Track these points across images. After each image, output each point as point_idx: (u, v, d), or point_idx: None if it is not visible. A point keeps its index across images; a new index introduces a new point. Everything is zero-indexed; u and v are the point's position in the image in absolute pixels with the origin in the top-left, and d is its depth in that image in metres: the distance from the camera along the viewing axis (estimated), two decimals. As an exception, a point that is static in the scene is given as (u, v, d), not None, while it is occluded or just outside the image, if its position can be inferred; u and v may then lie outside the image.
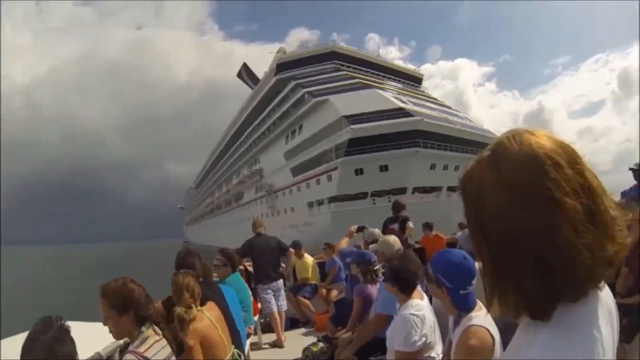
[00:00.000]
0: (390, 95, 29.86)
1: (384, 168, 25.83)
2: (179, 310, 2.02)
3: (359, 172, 25.92)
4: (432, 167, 26.45)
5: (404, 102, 29.35)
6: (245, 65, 63.36)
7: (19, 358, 1.36)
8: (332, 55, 35.48)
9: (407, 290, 2.13)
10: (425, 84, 43.55)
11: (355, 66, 35.50)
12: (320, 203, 27.91)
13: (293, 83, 33.28)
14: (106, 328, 1.78)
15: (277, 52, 39.62)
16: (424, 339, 2.02)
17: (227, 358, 2.16)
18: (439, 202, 25.34)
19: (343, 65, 34.93)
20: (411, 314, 2.04)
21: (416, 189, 25.94)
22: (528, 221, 0.46)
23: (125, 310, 1.61)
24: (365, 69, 35.74)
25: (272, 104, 37.26)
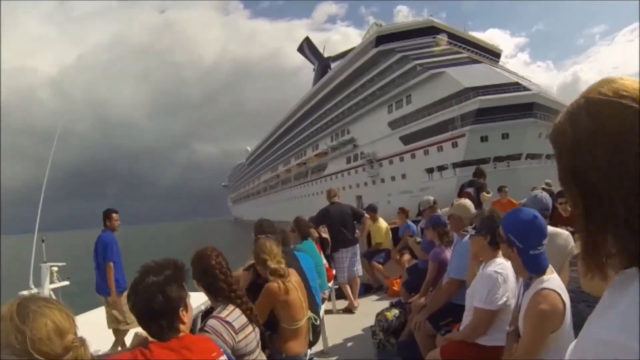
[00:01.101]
0: (500, 70, 33.22)
1: (505, 136, 29.35)
2: (273, 265, 2.27)
3: (484, 139, 29.51)
4: (540, 135, 29.88)
5: (515, 77, 32.68)
6: (307, 40, 66.66)
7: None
8: (432, 30, 38.40)
9: (496, 244, 2.07)
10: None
11: (451, 40, 38.43)
12: (441, 168, 31.64)
13: (398, 55, 36.23)
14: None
15: (373, 25, 42.47)
16: (504, 298, 2.07)
17: (303, 320, 2.33)
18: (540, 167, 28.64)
19: (440, 42, 37.93)
20: (495, 271, 2.11)
21: (529, 155, 29.53)
22: (625, 168, 0.46)
23: (197, 280, 1.84)
24: (459, 44, 38.68)
25: (370, 75, 40.09)
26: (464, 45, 38.55)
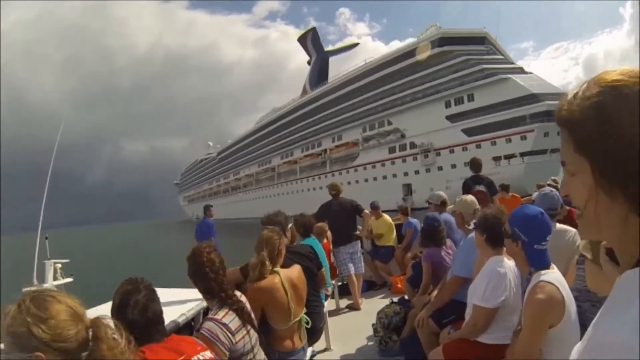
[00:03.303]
0: (546, 80, 46.37)
1: (558, 133, 42.15)
2: (251, 263, 2.51)
3: (546, 134, 41.67)
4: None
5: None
6: (314, 30, 74.41)
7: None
8: (483, 40, 50.08)
9: (494, 243, 2.35)
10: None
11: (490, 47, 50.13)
12: (509, 157, 42.83)
13: (463, 57, 46.97)
14: (179, 293, 2.97)
15: (430, 27, 52.38)
16: (503, 296, 2.26)
17: (290, 322, 2.53)
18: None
19: (491, 50, 49.84)
20: (494, 269, 2.32)
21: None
22: None
23: (192, 279, 2.06)
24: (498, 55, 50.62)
25: (426, 71, 49.27)
26: (500, 56, 50.91)
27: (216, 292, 2.03)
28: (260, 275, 2.45)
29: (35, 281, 3.09)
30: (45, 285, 3.03)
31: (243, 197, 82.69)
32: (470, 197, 3.47)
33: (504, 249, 2.29)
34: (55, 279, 3.23)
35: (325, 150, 62.84)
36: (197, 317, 3.08)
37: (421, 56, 49.18)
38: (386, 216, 7.11)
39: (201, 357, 1.56)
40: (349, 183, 54.72)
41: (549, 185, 6.87)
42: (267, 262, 2.50)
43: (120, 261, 26.83)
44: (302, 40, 77.71)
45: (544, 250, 1.85)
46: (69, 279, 3.31)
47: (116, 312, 1.52)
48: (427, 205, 5.51)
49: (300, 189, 67.43)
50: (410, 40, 52.72)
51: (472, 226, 2.69)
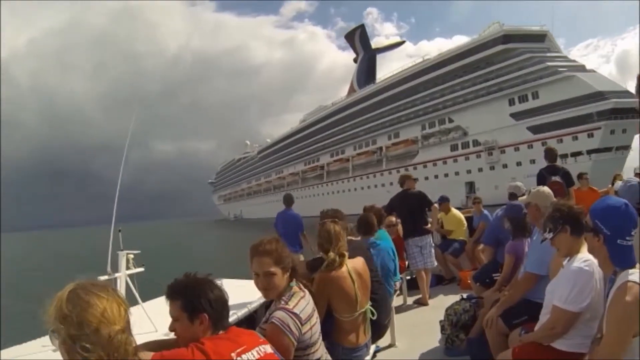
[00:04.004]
0: (608, 77, 50.33)
1: (624, 131, 45.95)
2: (332, 255, 2.69)
3: (612, 132, 45.62)
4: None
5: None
6: (362, 27, 78.89)
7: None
8: (543, 38, 53.99)
9: (579, 233, 2.25)
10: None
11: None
12: (576, 154, 46.82)
13: (527, 55, 50.84)
14: (243, 284, 3.23)
15: (493, 24, 56.22)
16: (589, 299, 2.17)
17: (357, 313, 2.70)
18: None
19: (552, 48, 53.67)
20: (581, 267, 2.20)
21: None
22: None
23: (285, 269, 2.10)
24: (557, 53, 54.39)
25: (489, 69, 53.26)
26: (562, 54, 54.68)
27: (295, 276, 2.18)
28: (334, 266, 2.68)
29: (109, 270, 3.28)
30: (118, 275, 3.32)
31: (270, 198, 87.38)
32: (546, 189, 3.47)
33: (585, 242, 2.26)
34: (127, 268, 3.43)
35: (380, 148, 67.43)
36: (259, 310, 3.33)
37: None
38: (455, 210, 7.35)
39: (262, 350, 1.62)
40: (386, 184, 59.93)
41: (637, 175, 6.65)
42: (345, 253, 2.76)
43: (176, 256, 29.63)
44: (349, 37, 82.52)
45: (630, 247, 1.75)
46: (141, 269, 3.51)
47: (186, 288, 1.64)
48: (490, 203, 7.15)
49: (352, 187, 72.26)
50: (463, 39, 56.58)
51: (547, 236, 2.47)
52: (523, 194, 5.00)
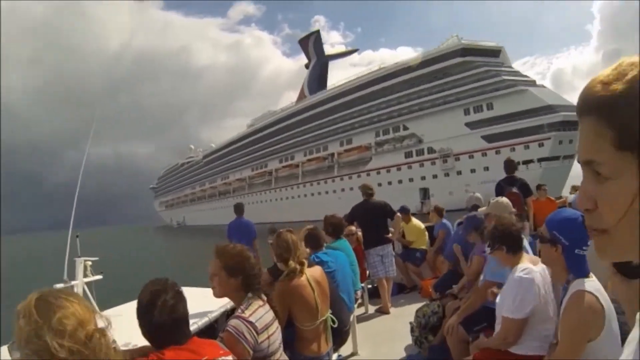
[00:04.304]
0: (556, 93, 54.24)
1: (571, 141, 49.63)
2: (293, 264, 2.77)
3: (560, 142, 49.10)
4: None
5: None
6: (318, 33, 79.91)
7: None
8: (497, 53, 57.42)
9: (516, 250, 2.51)
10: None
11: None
12: (527, 162, 49.65)
13: (484, 68, 53.78)
14: (203, 292, 3.07)
15: (452, 37, 58.76)
16: (531, 305, 2.35)
17: (317, 321, 2.76)
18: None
19: (505, 63, 57.12)
20: (521, 277, 2.41)
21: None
22: None
23: (234, 274, 2.16)
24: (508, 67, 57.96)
25: (447, 79, 55.68)
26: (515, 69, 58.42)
27: (254, 286, 2.20)
28: (294, 275, 2.72)
29: (66, 278, 3.21)
30: (75, 282, 3.23)
31: (233, 202, 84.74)
32: (505, 199, 3.61)
33: (525, 255, 2.55)
34: (85, 276, 3.36)
35: (332, 154, 67.86)
36: (220, 319, 3.35)
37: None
38: (416, 221, 7.48)
39: None
40: (352, 189, 59.80)
41: None
42: (304, 262, 2.83)
43: (131, 263, 28.69)
44: (304, 42, 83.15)
45: (584, 257, 1.87)
46: (99, 276, 3.46)
47: (144, 313, 1.64)
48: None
49: (302, 193, 71.95)
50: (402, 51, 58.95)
51: (487, 250, 2.70)
52: (476, 207, 5.19)
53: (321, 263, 3.60)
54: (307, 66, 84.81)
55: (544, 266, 2.40)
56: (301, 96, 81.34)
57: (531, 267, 2.43)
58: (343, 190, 64.15)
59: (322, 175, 69.19)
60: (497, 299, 2.60)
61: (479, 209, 4.52)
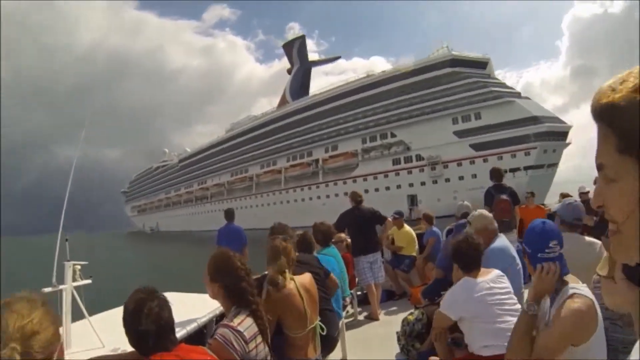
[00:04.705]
0: (540, 105, 57.96)
1: (554, 150, 53.24)
2: (272, 273, 2.84)
3: (545, 151, 52.53)
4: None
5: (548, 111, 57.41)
6: (303, 38, 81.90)
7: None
8: (485, 65, 60.66)
9: (467, 269, 2.88)
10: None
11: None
12: (514, 170, 52.70)
13: (473, 79, 56.90)
14: (191, 298, 3.64)
15: (442, 48, 61.72)
16: (464, 313, 2.81)
17: (306, 330, 2.85)
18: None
19: (491, 75, 60.48)
20: (459, 285, 2.85)
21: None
22: None
23: (215, 279, 2.29)
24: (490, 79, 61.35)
25: (436, 89, 58.46)
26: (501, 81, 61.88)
27: (247, 296, 2.28)
28: (282, 284, 2.79)
29: (54, 282, 3.21)
30: (64, 287, 3.27)
31: (210, 207, 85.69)
32: (484, 212, 3.99)
33: (481, 271, 2.89)
34: (74, 280, 3.38)
35: (317, 160, 69.55)
36: (209, 324, 3.51)
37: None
38: (407, 227, 7.71)
39: None
40: (346, 194, 60.72)
41: (581, 194, 7.75)
42: (287, 271, 2.91)
43: (113, 268, 28.64)
44: (287, 47, 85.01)
45: (552, 259, 2.01)
46: (88, 281, 3.47)
47: (130, 320, 1.73)
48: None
49: (285, 199, 73.40)
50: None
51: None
52: (465, 215, 5.37)
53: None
54: (289, 71, 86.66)
55: (493, 276, 2.85)
56: (283, 101, 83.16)
57: (473, 280, 2.81)
58: (328, 196, 66.11)
59: (306, 181, 70.70)
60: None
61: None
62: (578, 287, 1.92)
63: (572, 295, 1.88)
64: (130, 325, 1.73)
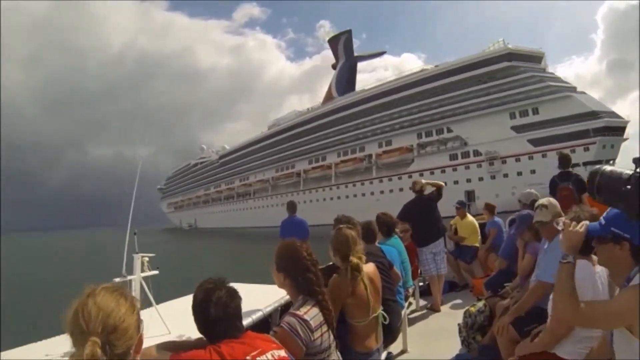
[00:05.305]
0: (597, 99, 62.48)
1: (612, 146, 57.65)
2: (355, 260, 3.07)
3: (604, 147, 56.96)
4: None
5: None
6: (349, 33, 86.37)
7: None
8: (540, 59, 65.18)
9: (583, 251, 2.38)
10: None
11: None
12: (573, 165, 57.24)
13: (530, 73, 61.13)
14: (257, 289, 3.97)
15: (497, 42, 65.83)
16: (590, 295, 2.51)
17: (369, 318, 3.07)
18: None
19: (546, 70, 64.91)
20: (578, 271, 2.44)
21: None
22: None
23: (281, 269, 2.53)
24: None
25: (492, 83, 62.80)
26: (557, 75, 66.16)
27: (313, 286, 2.49)
28: (358, 270, 3.03)
29: (124, 272, 3.56)
30: (132, 277, 3.63)
31: (253, 204, 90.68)
32: (553, 200, 3.77)
33: (592, 257, 2.56)
34: (142, 271, 3.71)
35: (369, 155, 73.75)
36: (274, 314, 3.80)
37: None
38: (471, 217, 8.10)
39: (276, 354, 1.89)
40: (401, 190, 64.97)
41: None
42: (364, 259, 3.13)
43: (177, 262, 32.12)
44: (333, 41, 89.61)
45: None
46: (156, 272, 3.81)
47: (199, 308, 1.92)
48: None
49: (335, 195, 77.61)
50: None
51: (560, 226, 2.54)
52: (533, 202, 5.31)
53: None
54: (334, 67, 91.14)
55: (602, 267, 2.48)
56: (329, 97, 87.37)
57: (589, 264, 2.65)
58: (382, 192, 70.40)
59: (359, 176, 74.49)
60: (552, 296, 2.69)
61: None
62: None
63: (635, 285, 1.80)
64: (200, 312, 1.92)
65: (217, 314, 1.89)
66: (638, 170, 0.75)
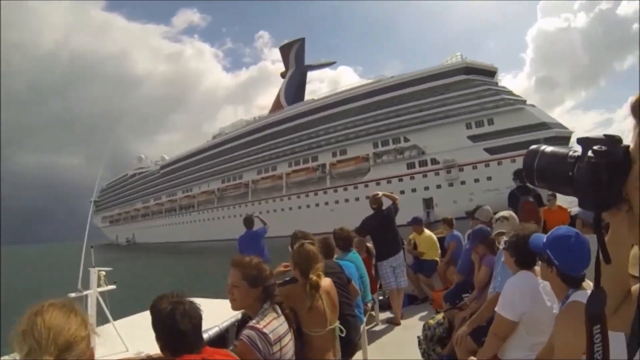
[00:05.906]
0: (545, 111, 68.84)
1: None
2: (314, 278, 3.20)
3: None
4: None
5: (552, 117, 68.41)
6: (302, 43, 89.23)
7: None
8: (492, 74, 70.72)
9: (523, 266, 2.97)
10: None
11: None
12: None
13: (485, 87, 66.34)
14: (211, 303, 3.66)
15: (455, 55, 70.86)
16: (524, 310, 2.81)
17: (326, 329, 3.18)
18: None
19: (498, 83, 70.66)
20: (518, 280, 2.89)
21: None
22: None
23: (255, 284, 2.57)
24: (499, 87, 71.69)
25: (450, 94, 67.03)
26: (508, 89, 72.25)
27: (272, 297, 2.64)
28: (317, 288, 3.17)
29: (80, 287, 3.54)
30: (89, 292, 3.61)
31: (197, 217, 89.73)
32: (512, 214, 4.28)
33: (536, 269, 2.83)
34: (99, 285, 3.72)
35: (323, 165, 75.51)
36: (230, 328, 3.89)
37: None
38: (428, 232, 8.58)
39: None
40: (357, 199, 68.19)
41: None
42: (322, 275, 3.28)
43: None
44: (285, 49, 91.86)
45: (583, 276, 2.10)
46: (113, 287, 3.82)
47: (165, 322, 1.98)
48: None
49: (286, 206, 78.64)
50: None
51: (503, 244, 2.99)
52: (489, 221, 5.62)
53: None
54: (283, 75, 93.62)
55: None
56: (277, 105, 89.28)
57: (532, 276, 2.92)
58: (337, 202, 72.49)
59: (313, 186, 76.05)
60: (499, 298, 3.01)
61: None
62: (584, 295, 1.88)
63: (570, 304, 1.97)
64: (166, 326, 1.97)
65: (185, 327, 1.98)
66: (590, 152, 0.90)
